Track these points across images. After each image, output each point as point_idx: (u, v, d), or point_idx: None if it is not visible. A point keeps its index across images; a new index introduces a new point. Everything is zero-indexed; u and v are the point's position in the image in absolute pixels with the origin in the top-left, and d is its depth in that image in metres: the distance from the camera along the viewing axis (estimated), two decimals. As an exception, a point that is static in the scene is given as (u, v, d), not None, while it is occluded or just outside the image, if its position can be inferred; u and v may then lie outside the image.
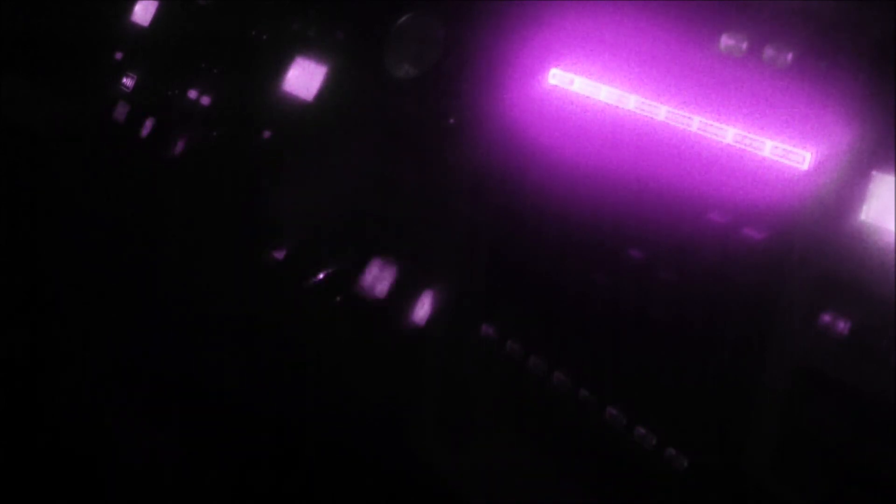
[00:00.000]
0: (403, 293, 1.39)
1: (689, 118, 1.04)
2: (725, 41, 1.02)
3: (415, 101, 1.45)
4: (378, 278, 1.43)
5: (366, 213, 1.49)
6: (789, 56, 0.98)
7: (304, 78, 1.63)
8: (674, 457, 1.06)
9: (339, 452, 1.48)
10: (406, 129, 1.45)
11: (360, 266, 1.44)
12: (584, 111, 1.14)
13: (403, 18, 1.50)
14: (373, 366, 1.42)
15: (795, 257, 0.95)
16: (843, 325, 0.90)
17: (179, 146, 1.82)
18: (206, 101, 1.81)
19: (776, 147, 0.97)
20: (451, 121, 1.38)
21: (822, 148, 0.95)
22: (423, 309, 1.37)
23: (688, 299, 1.05)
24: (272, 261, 1.58)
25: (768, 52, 0.99)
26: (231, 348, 1.62)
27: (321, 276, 1.46)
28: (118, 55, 2.02)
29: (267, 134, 1.64)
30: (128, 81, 1.97)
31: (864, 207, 0.90)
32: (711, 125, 1.02)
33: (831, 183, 0.93)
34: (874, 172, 0.90)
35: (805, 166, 0.95)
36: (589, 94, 1.14)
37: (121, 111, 1.95)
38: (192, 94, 1.83)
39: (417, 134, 1.43)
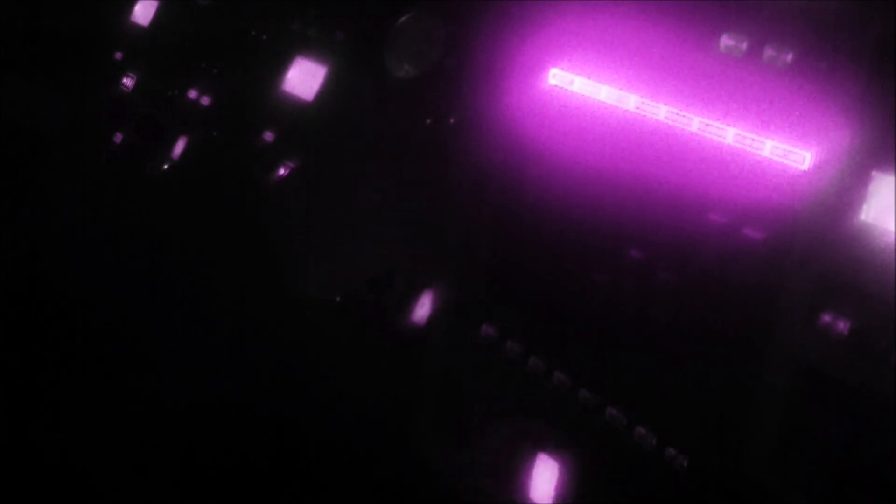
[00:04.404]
0: (403, 293, 1.39)
1: (689, 118, 1.04)
2: (725, 41, 1.02)
3: (415, 101, 1.45)
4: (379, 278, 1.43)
5: (365, 213, 1.49)
6: (789, 56, 0.98)
7: (304, 78, 1.63)
8: (674, 457, 1.06)
9: (340, 453, 1.48)
10: (406, 129, 1.45)
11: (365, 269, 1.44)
12: (584, 111, 1.14)
13: (403, 18, 1.51)
14: (373, 366, 1.42)
15: (795, 257, 0.95)
16: (843, 325, 0.90)
17: (179, 146, 1.82)
18: (206, 101, 1.81)
19: (776, 147, 0.97)
20: (451, 121, 1.38)
21: (822, 148, 0.95)
22: (423, 309, 1.37)
23: (688, 299, 1.05)
24: (273, 262, 1.59)
25: (768, 52, 0.99)
26: (232, 349, 1.62)
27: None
28: (118, 55, 2.02)
29: (267, 134, 1.64)
30: (128, 81, 1.97)
31: (864, 207, 0.90)
32: (711, 125, 1.02)
33: (831, 183, 0.93)
34: (874, 172, 0.90)
35: (805, 166, 0.95)
36: (589, 94, 1.14)
37: (121, 111, 1.95)
38: (192, 94, 1.83)
39: (418, 134, 1.43)
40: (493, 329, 1.25)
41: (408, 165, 1.45)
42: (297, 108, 1.63)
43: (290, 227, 1.59)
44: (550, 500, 1.20)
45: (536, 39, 1.22)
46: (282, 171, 1.59)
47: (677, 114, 1.05)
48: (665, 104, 1.07)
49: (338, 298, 1.46)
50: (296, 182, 1.60)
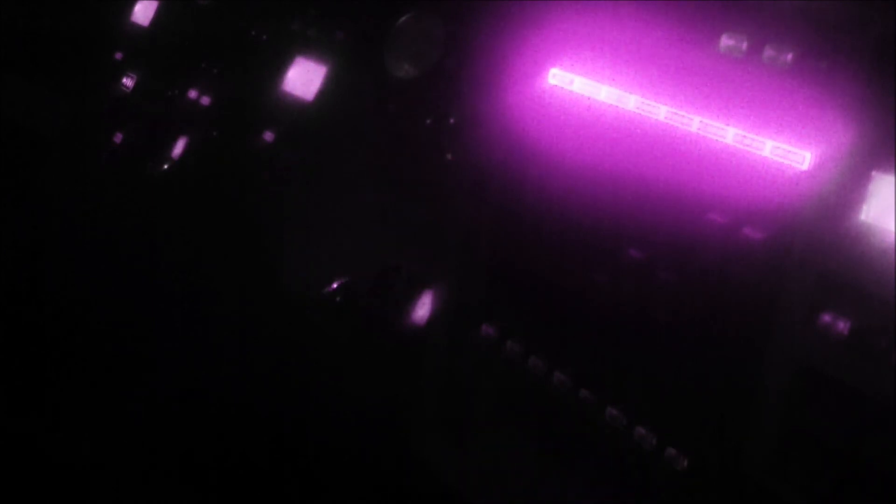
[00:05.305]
0: (403, 293, 1.39)
1: (689, 118, 1.04)
2: (725, 41, 1.02)
3: (415, 101, 1.45)
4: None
5: (365, 213, 1.49)
6: (789, 56, 0.98)
7: (304, 78, 1.63)
8: (674, 457, 1.06)
9: (340, 453, 1.48)
10: (406, 129, 1.45)
11: (364, 269, 1.44)
12: (584, 111, 1.14)
13: (403, 18, 1.51)
14: (373, 366, 1.42)
15: (795, 257, 0.95)
16: (843, 325, 0.90)
17: (179, 146, 1.82)
18: (206, 101, 1.81)
19: (776, 147, 0.97)
20: (451, 121, 1.38)
21: (822, 148, 0.95)
22: (423, 309, 1.37)
23: (688, 299, 1.05)
24: (274, 262, 1.59)
25: (768, 52, 0.99)
26: (232, 350, 1.62)
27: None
28: (118, 55, 2.02)
29: (267, 134, 1.64)
30: (128, 81, 1.97)
31: (864, 207, 0.90)
32: (711, 125, 1.02)
33: (831, 183, 0.93)
34: (874, 172, 0.90)
35: (805, 166, 0.95)
36: (589, 94, 1.14)
37: (121, 111, 1.95)
38: (192, 94, 1.83)
39: (417, 134, 1.43)
40: (493, 329, 1.25)
41: (408, 165, 1.45)
42: (297, 108, 1.63)
43: (290, 227, 1.59)
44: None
45: (536, 39, 1.22)
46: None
47: (677, 114, 1.05)
48: (665, 104, 1.07)
49: (338, 298, 1.46)
50: (296, 181, 1.60)
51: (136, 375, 1.77)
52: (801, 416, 0.95)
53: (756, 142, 0.99)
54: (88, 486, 1.69)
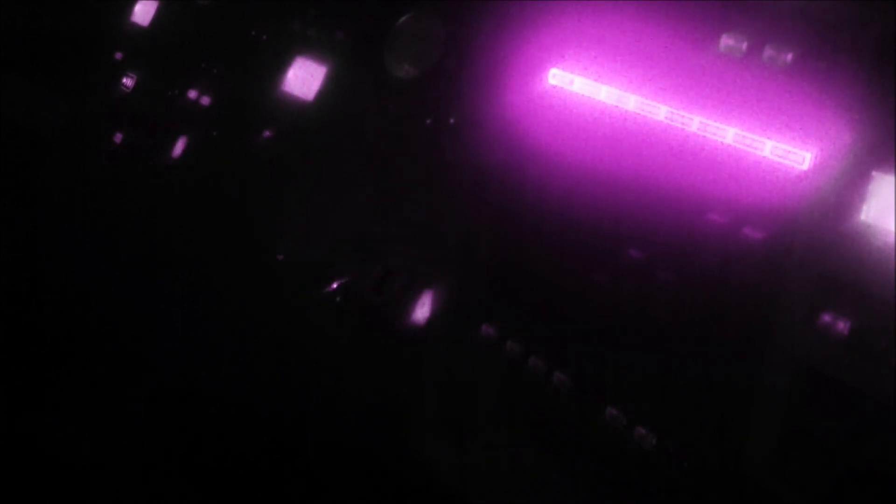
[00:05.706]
0: (403, 293, 1.39)
1: (689, 118, 1.04)
2: (725, 41, 1.02)
3: (415, 101, 1.45)
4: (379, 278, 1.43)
5: (365, 213, 1.49)
6: (789, 56, 0.98)
7: (304, 78, 1.63)
8: (673, 456, 1.06)
9: (339, 452, 1.48)
10: (406, 129, 1.45)
11: (364, 269, 1.44)
12: (584, 111, 1.14)
13: (403, 18, 1.51)
14: (373, 366, 1.42)
15: (795, 257, 0.95)
16: (843, 325, 0.90)
17: (179, 146, 1.82)
18: (206, 101, 1.81)
19: (776, 147, 0.97)
20: (451, 121, 1.38)
21: (822, 148, 0.95)
22: (423, 309, 1.37)
23: (688, 299, 1.05)
24: (274, 263, 1.59)
25: (768, 52, 0.99)
26: (231, 348, 1.62)
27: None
28: (118, 55, 2.02)
29: (267, 134, 1.64)
30: (128, 81, 1.97)
31: (864, 207, 0.90)
32: (711, 125, 1.02)
33: (831, 183, 0.93)
34: (874, 172, 0.90)
35: (805, 166, 0.95)
36: (589, 94, 1.14)
37: (121, 111, 1.95)
38: (192, 94, 1.83)
39: (417, 134, 1.43)
40: (493, 329, 1.25)
41: (408, 165, 1.45)
42: (297, 108, 1.63)
43: (291, 227, 1.59)
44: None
45: (536, 39, 1.22)
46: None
47: (677, 114, 1.05)
48: (665, 104, 1.07)
49: (338, 298, 1.46)
50: (296, 181, 1.60)
51: (136, 375, 1.77)
52: (801, 416, 0.95)
53: (756, 142, 0.99)
54: (88, 486, 1.69)
